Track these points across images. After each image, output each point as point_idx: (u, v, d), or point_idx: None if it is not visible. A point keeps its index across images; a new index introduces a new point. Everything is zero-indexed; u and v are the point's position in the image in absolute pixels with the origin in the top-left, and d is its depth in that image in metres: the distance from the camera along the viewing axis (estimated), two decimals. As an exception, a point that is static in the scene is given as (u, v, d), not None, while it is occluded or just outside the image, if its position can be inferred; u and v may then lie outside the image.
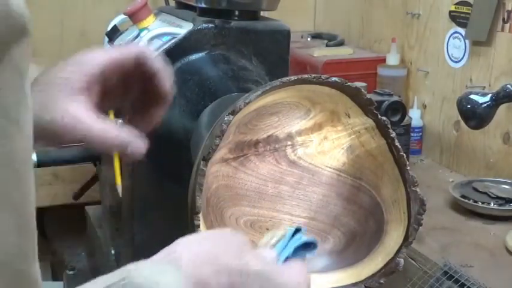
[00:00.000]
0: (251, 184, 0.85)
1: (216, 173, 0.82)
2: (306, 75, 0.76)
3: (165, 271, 0.53)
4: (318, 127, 0.86)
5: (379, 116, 0.83)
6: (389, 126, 0.83)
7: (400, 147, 0.82)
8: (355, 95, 0.81)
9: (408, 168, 0.82)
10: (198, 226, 0.72)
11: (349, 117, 0.84)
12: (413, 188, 0.81)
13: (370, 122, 0.84)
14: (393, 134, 0.83)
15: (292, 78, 0.75)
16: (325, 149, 0.87)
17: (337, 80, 0.77)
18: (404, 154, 0.82)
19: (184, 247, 0.57)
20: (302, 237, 0.62)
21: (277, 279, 0.57)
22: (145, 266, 0.54)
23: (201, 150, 0.73)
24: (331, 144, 0.87)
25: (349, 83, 0.79)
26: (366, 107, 0.82)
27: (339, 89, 0.80)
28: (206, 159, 0.71)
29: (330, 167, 0.88)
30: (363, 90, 0.81)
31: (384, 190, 0.84)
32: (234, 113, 0.72)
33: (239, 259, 0.56)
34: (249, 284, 0.56)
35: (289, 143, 0.87)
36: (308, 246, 0.63)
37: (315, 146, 0.87)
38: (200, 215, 0.72)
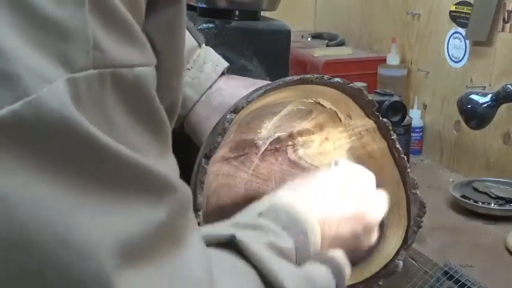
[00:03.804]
0: (251, 183, 0.85)
1: (217, 172, 0.81)
2: (308, 75, 0.75)
3: (297, 202, 0.63)
4: (319, 128, 0.86)
5: (381, 118, 0.82)
6: (390, 128, 0.83)
7: (401, 149, 0.82)
8: (356, 96, 0.81)
9: (409, 170, 0.82)
10: (199, 224, 0.72)
11: (350, 118, 0.84)
12: (413, 191, 0.81)
13: (371, 124, 0.83)
14: (394, 136, 0.82)
15: (295, 78, 0.75)
16: (326, 150, 0.87)
17: (339, 80, 0.77)
18: (405, 156, 0.82)
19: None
20: None
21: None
22: (287, 195, 0.64)
23: (203, 148, 0.73)
24: (332, 145, 0.87)
25: (351, 84, 0.79)
26: (368, 109, 0.82)
27: (341, 90, 0.79)
28: (208, 156, 0.71)
29: (330, 168, 0.88)
30: (364, 92, 0.80)
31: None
32: (236, 111, 0.71)
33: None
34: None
35: (290, 143, 0.86)
36: None
37: (316, 147, 0.87)
38: (201, 213, 0.72)
